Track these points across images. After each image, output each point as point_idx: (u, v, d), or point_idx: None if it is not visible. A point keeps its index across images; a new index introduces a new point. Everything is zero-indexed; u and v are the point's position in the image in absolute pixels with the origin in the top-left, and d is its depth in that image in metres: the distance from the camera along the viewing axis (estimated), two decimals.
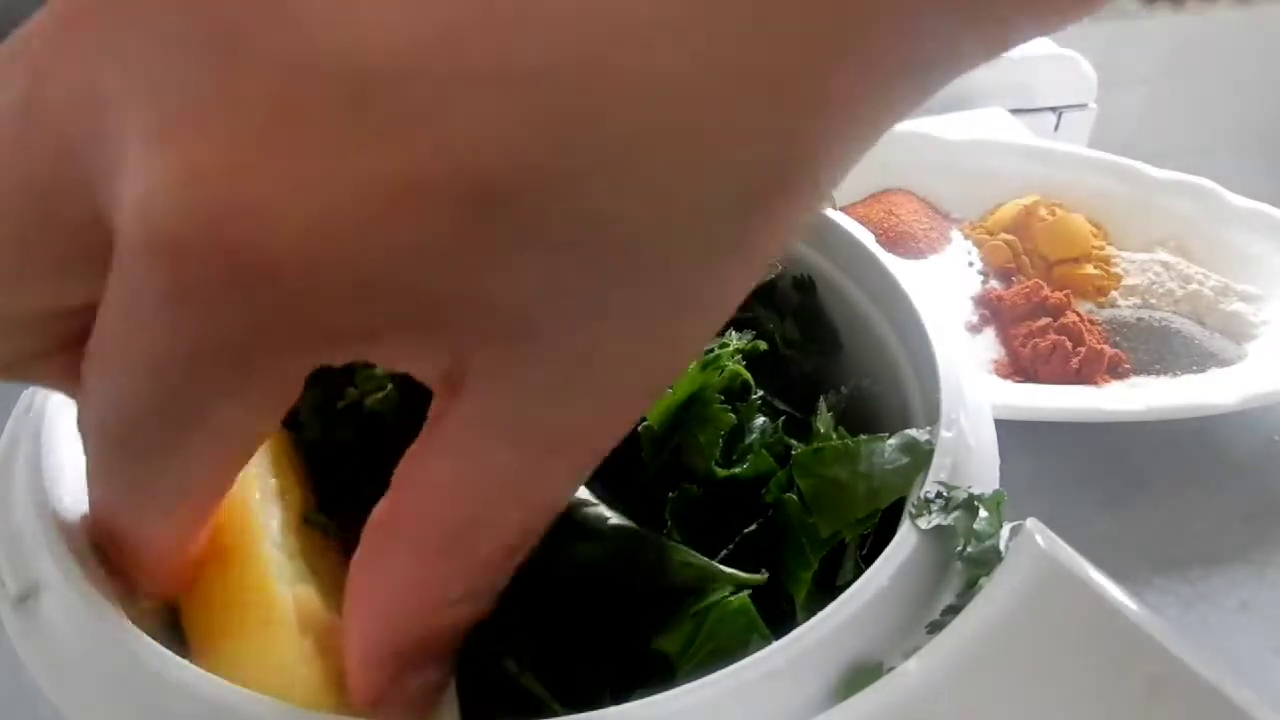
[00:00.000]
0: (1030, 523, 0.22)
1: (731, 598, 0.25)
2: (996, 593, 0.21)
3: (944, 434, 0.26)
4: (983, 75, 0.65)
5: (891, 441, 0.26)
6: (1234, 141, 1.15)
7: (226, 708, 0.20)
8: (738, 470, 0.28)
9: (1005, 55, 0.64)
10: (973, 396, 0.27)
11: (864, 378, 0.32)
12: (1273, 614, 0.39)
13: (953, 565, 0.24)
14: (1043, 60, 0.70)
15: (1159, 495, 0.42)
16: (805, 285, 0.34)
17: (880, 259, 0.32)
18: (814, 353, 0.33)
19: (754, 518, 0.27)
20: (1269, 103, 1.13)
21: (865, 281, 0.33)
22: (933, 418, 0.27)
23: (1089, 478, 0.43)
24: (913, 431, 0.27)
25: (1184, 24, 1.04)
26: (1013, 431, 0.28)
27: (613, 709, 0.20)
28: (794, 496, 0.27)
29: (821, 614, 0.22)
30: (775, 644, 0.21)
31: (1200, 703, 0.19)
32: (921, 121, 0.62)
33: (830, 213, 0.34)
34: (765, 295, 0.34)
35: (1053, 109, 0.69)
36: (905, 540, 0.23)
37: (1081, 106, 0.70)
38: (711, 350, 0.29)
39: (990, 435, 0.27)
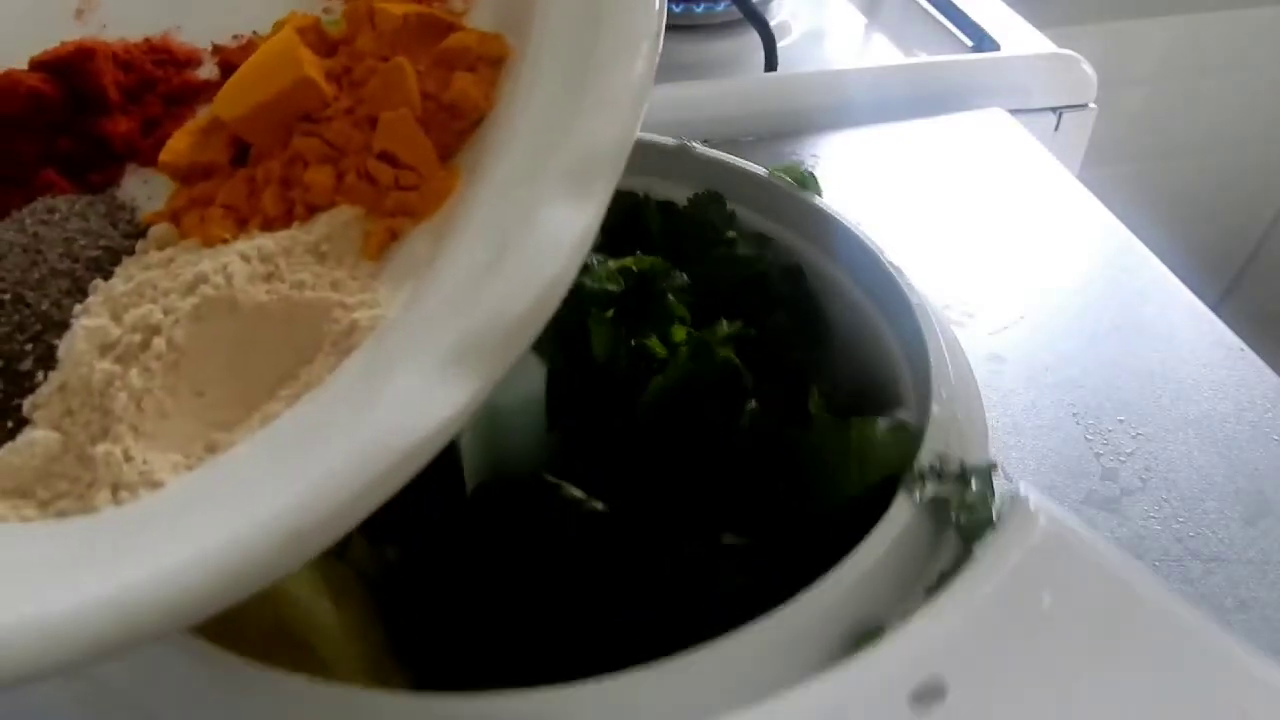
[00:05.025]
0: (1024, 486, 0.23)
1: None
2: (993, 555, 0.22)
3: (935, 410, 0.27)
4: (981, 76, 0.65)
5: (882, 422, 0.28)
6: (1235, 142, 1.15)
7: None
8: (731, 451, 0.29)
9: (1004, 55, 0.64)
10: (961, 374, 0.28)
11: (854, 362, 0.33)
12: (1273, 614, 0.39)
13: (947, 533, 0.25)
14: (1043, 60, 0.70)
15: (1159, 495, 0.42)
16: (794, 275, 0.35)
17: (868, 244, 0.33)
18: (803, 342, 0.34)
19: (749, 496, 0.28)
20: (1270, 103, 1.12)
21: (853, 268, 0.33)
22: (923, 395, 0.28)
23: (1089, 477, 0.43)
24: (902, 413, 0.28)
25: (1184, 24, 1.04)
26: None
27: (640, 669, 0.22)
28: (788, 474, 0.28)
29: (823, 582, 0.23)
30: (782, 610, 0.22)
31: (1198, 657, 0.20)
32: (917, 124, 0.62)
33: (817, 201, 0.34)
34: (756, 285, 0.34)
35: (1053, 109, 0.69)
36: (901, 511, 0.25)
37: (1081, 106, 0.70)
38: (701, 345, 0.30)
39: (980, 410, 0.28)
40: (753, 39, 0.69)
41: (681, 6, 0.73)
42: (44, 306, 0.27)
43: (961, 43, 0.74)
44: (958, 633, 0.20)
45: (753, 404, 0.30)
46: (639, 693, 0.22)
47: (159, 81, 0.34)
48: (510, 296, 0.21)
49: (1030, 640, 0.20)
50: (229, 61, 0.33)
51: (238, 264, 0.26)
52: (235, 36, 0.34)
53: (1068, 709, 0.19)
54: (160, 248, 0.29)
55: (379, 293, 0.25)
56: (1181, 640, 0.20)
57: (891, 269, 0.32)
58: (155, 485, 0.23)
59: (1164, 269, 0.57)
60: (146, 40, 0.35)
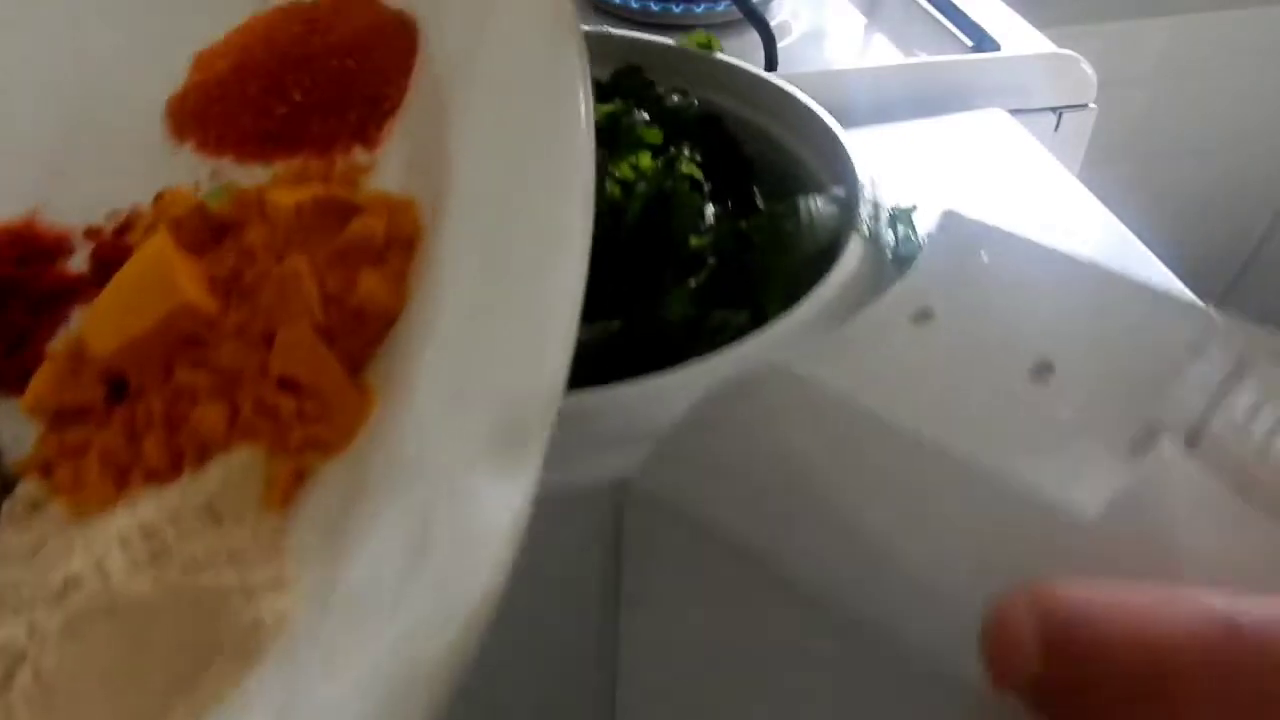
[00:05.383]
0: (948, 209, 0.31)
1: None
2: (936, 243, 0.30)
3: (863, 180, 0.35)
4: (981, 76, 0.64)
5: (819, 197, 0.35)
6: (1235, 142, 1.15)
7: None
8: (705, 239, 0.36)
9: (1003, 56, 0.65)
10: (868, 166, 0.37)
11: (777, 179, 0.40)
12: None
13: (887, 262, 0.33)
14: (1042, 60, 0.70)
15: None
16: (714, 120, 0.41)
17: (770, 80, 0.41)
18: (732, 171, 0.40)
19: (723, 277, 0.35)
20: (1270, 103, 1.12)
21: (761, 103, 0.41)
22: (847, 177, 0.36)
23: None
24: (834, 189, 0.36)
25: (1184, 24, 1.04)
26: None
27: (669, 370, 0.28)
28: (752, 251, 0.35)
29: (810, 295, 0.31)
30: (787, 314, 0.30)
31: (1092, 273, 0.28)
32: (917, 124, 0.62)
33: (721, 56, 0.42)
34: (682, 131, 0.39)
35: (1053, 109, 0.69)
36: (855, 246, 0.33)
37: (1081, 107, 0.70)
38: (669, 161, 0.37)
39: (881, 186, 0.36)
40: (753, 39, 0.68)
41: (681, 6, 0.73)
42: None
43: (961, 43, 0.74)
44: (929, 282, 0.28)
45: (711, 208, 0.37)
46: (675, 386, 0.27)
47: (24, 283, 0.28)
48: (432, 626, 0.18)
49: (983, 276, 0.28)
50: (103, 256, 0.28)
51: (115, 554, 0.21)
52: (110, 214, 0.29)
53: (1024, 311, 0.27)
54: (30, 509, 0.24)
55: (285, 564, 0.22)
56: (1073, 261, 0.29)
57: (790, 88, 0.41)
58: None
59: (1164, 269, 0.57)
60: (6, 229, 0.29)
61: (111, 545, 0.22)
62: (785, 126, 0.41)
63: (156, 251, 0.25)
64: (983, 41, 0.72)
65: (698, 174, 0.37)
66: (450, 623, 0.18)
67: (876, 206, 0.34)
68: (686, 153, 0.37)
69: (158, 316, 0.24)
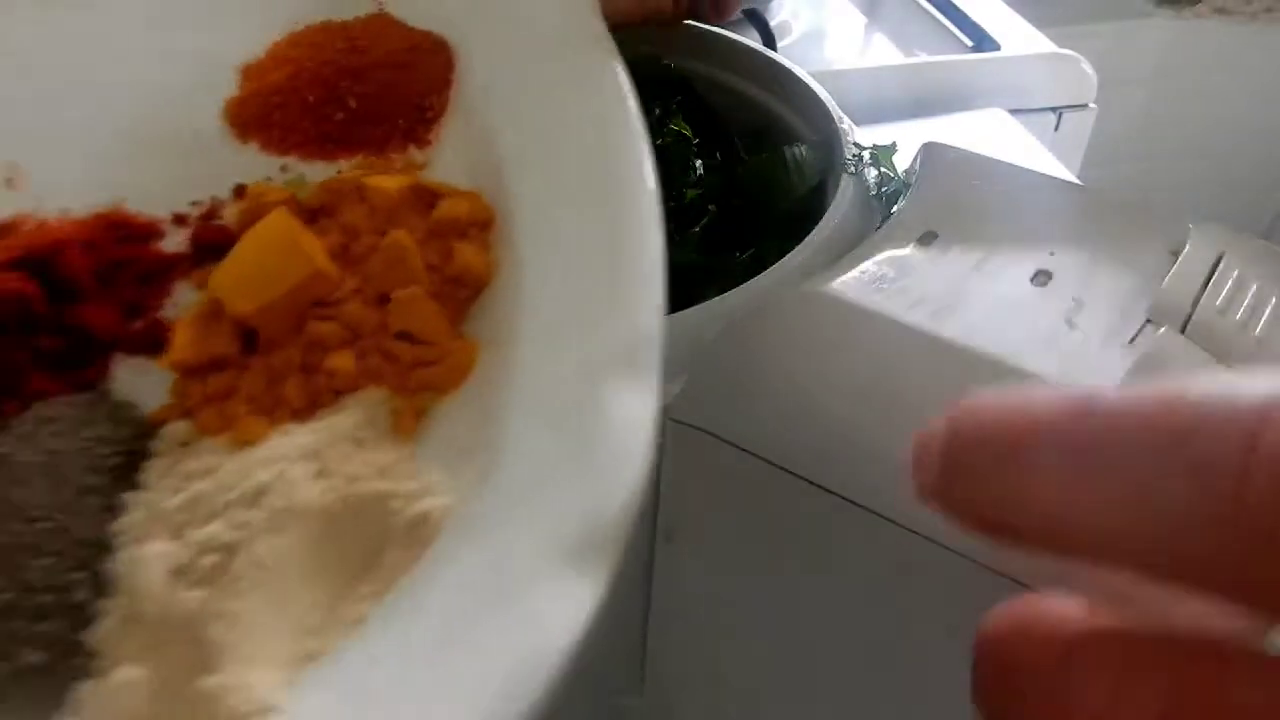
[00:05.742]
0: (928, 140, 0.35)
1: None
2: (929, 170, 0.34)
3: (841, 127, 0.37)
4: (981, 76, 0.64)
5: (801, 144, 0.38)
6: (1235, 142, 1.15)
7: None
8: (698, 191, 0.38)
9: (1003, 56, 0.66)
10: (841, 115, 0.39)
11: (753, 131, 0.42)
12: None
13: (874, 201, 0.35)
14: (1043, 60, 0.70)
15: None
16: (685, 82, 0.43)
17: (737, 40, 0.44)
18: (702, 130, 0.41)
19: (720, 223, 0.37)
20: (1270, 103, 1.12)
21: (729, 61, 0.44)
22: (823, 124, 0.38)
23: None
24: (812, 137, 0.38)
25: (1184, 24, 1.04)
26: None
27: (709, 301, 0.30)
28: (744, 197, 0.37)
29: (818, 228, 0.33)
30: (797, 249, 0.32)
31: (1113, 209, 0.32)
32: (918, 124, 0.62)
33: (689, 23, 0.44)
34: (660, 95, 0.41)
35: (1053, 109, 0.69)
36: (847, 185, 0.35)
37: (1082, 106, 0.70)
38: (659, 118, 0.40)
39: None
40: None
41: None
42: (84, 531, 0.26)
43: (961, 43, 0.74)
44: (928, 208, 0.31)
45: (700, 161, 0.39)
46: (702, 319, 0.30)
47: (128, 261, 0.31)
48: (613, 486, 0.21)
49: (976, 199, 0.32)
50: (202, 237, 0.32)
51: (296, 468, 0.25)
52: (194, 203, 0.33)
53: (1018, 228, 0.30)
54: (179, 446, 0.28)
55: (431, 477, 0.25)
56: (1055, 182, 0.33)
57: (758, 46, 0.43)
58: (271, 711, 0.22)
59: None
60: (102, 216, 0.32)
61: (286, 462, 0.26)
62: (757, 83, 0.43)
63: (282, 226, 0.29)
64: (983, 41, 0.72)
65: (687, 130, 0.39)
66: (621, 487, 0.21)
67: (859, 147, 0.36)
68: (674, 110, 0.40)
69: (293, 282, 0.28)
